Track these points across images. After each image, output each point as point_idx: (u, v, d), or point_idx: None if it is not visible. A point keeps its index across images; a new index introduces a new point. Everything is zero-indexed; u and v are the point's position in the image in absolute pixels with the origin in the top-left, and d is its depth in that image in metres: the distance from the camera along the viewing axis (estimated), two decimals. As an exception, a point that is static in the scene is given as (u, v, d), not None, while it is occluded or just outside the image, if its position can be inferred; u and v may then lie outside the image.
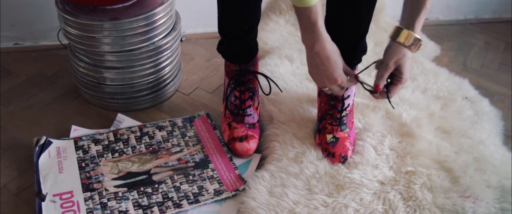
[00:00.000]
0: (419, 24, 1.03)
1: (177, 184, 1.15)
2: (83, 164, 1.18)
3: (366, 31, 1.16)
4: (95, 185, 1.13)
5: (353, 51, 1.17)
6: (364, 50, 1.20)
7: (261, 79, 1.29)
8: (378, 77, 1.07)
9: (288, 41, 1.61)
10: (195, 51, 1.64)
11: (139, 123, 1.32)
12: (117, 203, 1.09)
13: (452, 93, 1.45)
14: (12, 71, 1.51)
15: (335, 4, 1.14)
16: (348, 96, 1.22)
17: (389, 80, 1.09)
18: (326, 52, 1.01)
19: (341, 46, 1.15)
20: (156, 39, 1.29)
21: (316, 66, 1.04)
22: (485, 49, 1.76)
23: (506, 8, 1.94)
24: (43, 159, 1.18)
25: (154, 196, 1.11)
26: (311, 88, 1.40)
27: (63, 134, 1.28)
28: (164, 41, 1.31)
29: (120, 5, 1.26)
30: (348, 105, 1.23)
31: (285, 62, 1.49)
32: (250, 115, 1.26)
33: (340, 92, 1.11)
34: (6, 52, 1.59)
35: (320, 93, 1.27)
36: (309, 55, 1.05)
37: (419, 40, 1.03)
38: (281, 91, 1.33)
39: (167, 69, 1.37)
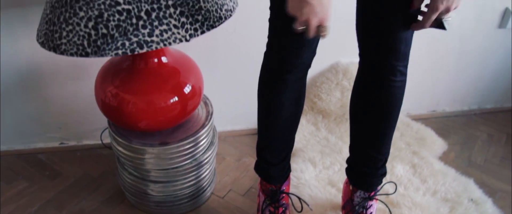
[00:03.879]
0: None
1: None
2: None
3: (386, 159, 1.32)
4: None
5: (374, 176, 1.33)
6: (383, 174, 1.35)
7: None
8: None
9: (310, 141, 1.77)
10: (225, 150, 1.80)
11: (182, 230, 1.47)
12: None
13: (459, 195, 1.60)
14: (61, 172, 1.67)
15: (358, 138, 1.31)
16: None
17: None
18: None
19: (362, 173, 1.32)
20: (198, 155, 1.44)
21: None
22: (488, 142, 1.92)
23: (507, 98, 2.11)
24: None
25: None
26: (334, 194, 1.56)
27: (114, 241, 1.43)
28: (205, 156, 1.46)
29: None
30: (371, 219, 1.39)
31: (309, 166, 1.64)
32: (283, 227, 1.42)
33: (312, 32, 0.95)
34: (53, 151, 1.75)
35: (345, 206, 1.42)
36: None
37: None
38: (311, 209, 1.48)
39: (206, 178, 1.53)
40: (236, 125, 1.89)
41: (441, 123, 2.01)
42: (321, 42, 1.16)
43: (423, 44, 1.82)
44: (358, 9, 1.13)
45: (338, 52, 1.81)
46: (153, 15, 1.07)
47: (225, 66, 1.72)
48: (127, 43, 1.06)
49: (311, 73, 1.81)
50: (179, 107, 1.34)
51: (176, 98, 1.32)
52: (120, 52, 1.06)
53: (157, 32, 1.07)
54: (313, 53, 1.18)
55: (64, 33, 1.08)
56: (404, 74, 1.17)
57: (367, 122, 1.26)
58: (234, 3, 1.25)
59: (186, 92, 1.35)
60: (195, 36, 1.11)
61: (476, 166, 1.79)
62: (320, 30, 0.94)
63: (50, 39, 1.12)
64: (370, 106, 1.24)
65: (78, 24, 1.06)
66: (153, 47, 1.07)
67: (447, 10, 1.01)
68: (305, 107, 1.88)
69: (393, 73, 1.14)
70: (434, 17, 1.02)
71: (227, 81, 1.76)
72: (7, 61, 1.55)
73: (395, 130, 1.72)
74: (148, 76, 1.32)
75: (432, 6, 1.00)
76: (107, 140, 1.75)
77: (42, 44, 1.15)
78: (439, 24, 1.06)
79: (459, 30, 1.84)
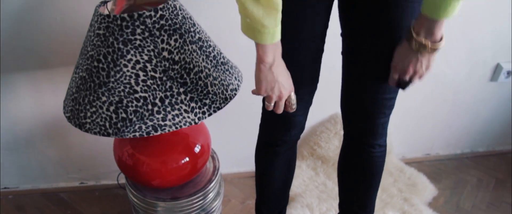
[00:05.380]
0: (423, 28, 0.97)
1: None
2: None
3: (372, 214, 1.47)
4: None
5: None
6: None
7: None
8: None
9: (309, 187, 1.92)
10: (231, 192, 1.95)
11: None
12: None
13: (445, 244, 1.74)
14: (81, 212, 1.83)
15: (345, 197, 1.47)
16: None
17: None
18: (282, 69, 1.04)
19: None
20: (206, 205, 1.59)
21: (266, 79, 1.04)
22: (477, 187, 2.05)
23: (499, 141, 2.23)
24: None
25: None
26: (329, 241, 1.70)
27: None
28: (212, 205, 1.61)
29: (178, 183, 1.57)
30: None
31: (307, 213, 1.79)
32: None
33: (279, 108, 1.11)
34: (73, 191, 1.91)
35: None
36: (262, 68, 1.03)
37: (423, 45, 0.98)
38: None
39: (212, 224, 1.68)
40: (242, 168, 2.04)
41: (434, 167, 2.14)
42: (322, 94, 1.30)
43: (419, 95, 1.95)
44: (343, 92, 1.28)
45: (336, 104, 1.94)
46: (166, 101, 1.22)
47: (231, 113, 1.87)
48: (143, 127, 1.21)
49: (312, 122, 1.96)
50: (189, 166, 1.49)
51: (187, 159, 1.47)
52: (137, 134, 1.21)
53: (169, 117, 1.22)
54: (301, 130, 1.33)
55: (89, 114, 1.23)
56: (383, 146, 1.31)
57: (352, 185, 1.42)
58: (239, 80, 1.39)
59: (196, 152, 1.49)
60: (203, 118, 1.26)
61: (464, 212, 1.92)
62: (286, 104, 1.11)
63: (76, 117, 1.27)
64: (353, 171, 1.39)
65: (101, 107, 1.21)
66: (166, 131, 1.21)
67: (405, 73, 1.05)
68: (305, 153, 2.02)
69: (373, 146, 1.29)
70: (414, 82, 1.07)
71: (233, 126, 1.91)
72: (34, 113, 1.71)
73: (389, 176, 1.87)
74: (162, 140, 1.46)
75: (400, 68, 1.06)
76: (123, 180, 1.90)
77: (69, 119, 1.30)
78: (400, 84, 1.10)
79: (453, 83, 1.96)
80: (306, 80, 1.19)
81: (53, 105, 1.69)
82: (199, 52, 1.27)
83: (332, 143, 1.98)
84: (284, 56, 1.05)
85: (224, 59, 1.37)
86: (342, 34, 1.20)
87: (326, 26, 1.15)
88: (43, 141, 1.79)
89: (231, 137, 1.93)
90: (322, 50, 1.19)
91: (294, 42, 1.09)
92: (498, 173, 2.12)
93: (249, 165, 2.02)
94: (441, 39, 0.97)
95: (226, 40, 1.61)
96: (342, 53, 1.22)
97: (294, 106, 1.14)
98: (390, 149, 2.05)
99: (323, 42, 1.17)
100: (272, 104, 1.10)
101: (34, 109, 1.70)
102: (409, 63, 1.03)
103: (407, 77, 1.07)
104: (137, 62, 1.19)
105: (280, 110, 1.11)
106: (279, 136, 1.32)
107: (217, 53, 1.35)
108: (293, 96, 1.12)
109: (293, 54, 1.08)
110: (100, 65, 1.21)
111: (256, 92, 1.09)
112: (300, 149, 2.04)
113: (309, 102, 1.27)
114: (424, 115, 2.05)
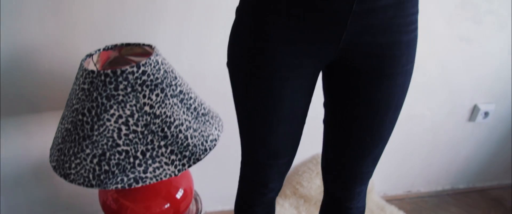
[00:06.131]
0: None
1: None
2: None
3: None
4: None
5: None
6: None
7: None
8: None
9: (291, 226, 1.97)
10: (215, 231, 2.00)
11: None
12: None
13: None
14: (67, 250, 1.87)
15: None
16: None
17: None
18: None
19: None
20: (188, 248, 1.64)
21: None
22: (456, 226, 2.10)
23: (479, 178, 2.29)
24: None
25: None
26: None
27: None
28: (194, 248, 1.65)
29: (161, 225, 1.61)
30: None
31: (289, 252, 1.83)
32: None
33: None
34: (62, 228, 1.96)
35: None
36: None
37: None
38: None
39: None
40: (226, 205, 2.08)
41: (415, 204, 2.19)
42: (305, 135, 1.32)
43: (400, 135, 2.00)
44: (323, 157, 1.31)
45: (318, 144, 1.99)
46: (148, 154, 1.27)
47: (215, 154, 1.92)
48: (125, 179, 1.25)
49: (294, 162, 2.00)
50: (173, 210, 1.53)
51: (168, 205, 1.52)
52: (119, 186, 1.25)
53: (150, 169, 1.27)
54: (278, 191, 1.37)
55: (73, 165, 1.28)
56: (361, 207, 1.35)
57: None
58: (219, 130, 1.44)
59: (179, 197, 1.54)
60: (183, 170, 1.31)
61: (443, 251, 1.97)
62: None
63: (61, 167, 1.32)
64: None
65: (85, 159, 1.26)
66: (147, 182, 1.26)
67: None
68: (288, 192, 2.07)
69: (351, 208, 1.33)
70: None
71: (216, 166, 1.96)
72: (22, 154, 1.75)
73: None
74: (145, 185, 1.51)
75: None
76: (109, 218, 1.95)
77: (54, 169, 1.35)
78: None
79: (433, 124, 2.02)
80: (285, 151, 1.22)
81: (41, 146, 1.73)
82: (180, 105, 1.33)
83: (314, 182, 2.02)
84: (264, 128, 1.09)
85: (204, 109, 1.43)
86: (324, 104, 1.22)
87: (309, 102, 1.16)
88: (31, 181, 1.83)
89: (215, 176, 1.97)
90: (303, 123, 1.20)
91: (276, 116, 1.10)
92: (477, 210, 2.17)
93: (233, 203, 2.06)
94: None
95: (208, 87, 1.67)
96: (324, 122, 1.24)
97: None
98: (371, 187, 2.10)
99: (305, 116, 1.18)
100: None
101: (23, 151, 1.74)
102: None
103: None
104: (120, 116, 1.24)
105: None
106: (256, 198, 1.36)
107: (198, 104, 1.40)
108: None
109: (275, 127, 1.11)
110: (85, 118, 1.26)
111: None
112: (283, 188, 2.08)
113: (286, 170, 1.30)
114: (405, 153, 2.10)
